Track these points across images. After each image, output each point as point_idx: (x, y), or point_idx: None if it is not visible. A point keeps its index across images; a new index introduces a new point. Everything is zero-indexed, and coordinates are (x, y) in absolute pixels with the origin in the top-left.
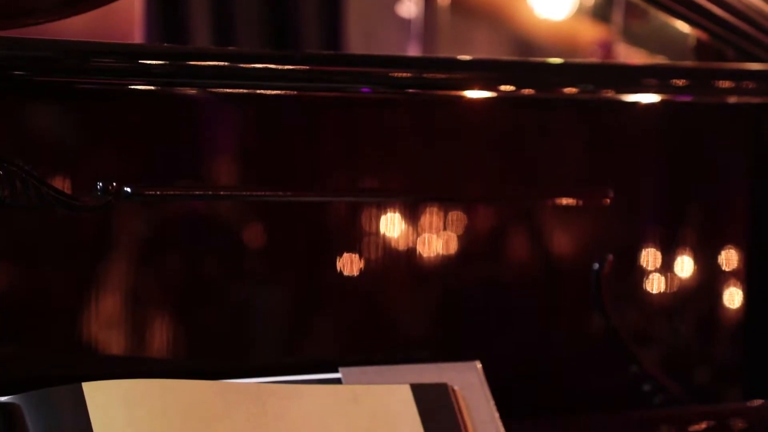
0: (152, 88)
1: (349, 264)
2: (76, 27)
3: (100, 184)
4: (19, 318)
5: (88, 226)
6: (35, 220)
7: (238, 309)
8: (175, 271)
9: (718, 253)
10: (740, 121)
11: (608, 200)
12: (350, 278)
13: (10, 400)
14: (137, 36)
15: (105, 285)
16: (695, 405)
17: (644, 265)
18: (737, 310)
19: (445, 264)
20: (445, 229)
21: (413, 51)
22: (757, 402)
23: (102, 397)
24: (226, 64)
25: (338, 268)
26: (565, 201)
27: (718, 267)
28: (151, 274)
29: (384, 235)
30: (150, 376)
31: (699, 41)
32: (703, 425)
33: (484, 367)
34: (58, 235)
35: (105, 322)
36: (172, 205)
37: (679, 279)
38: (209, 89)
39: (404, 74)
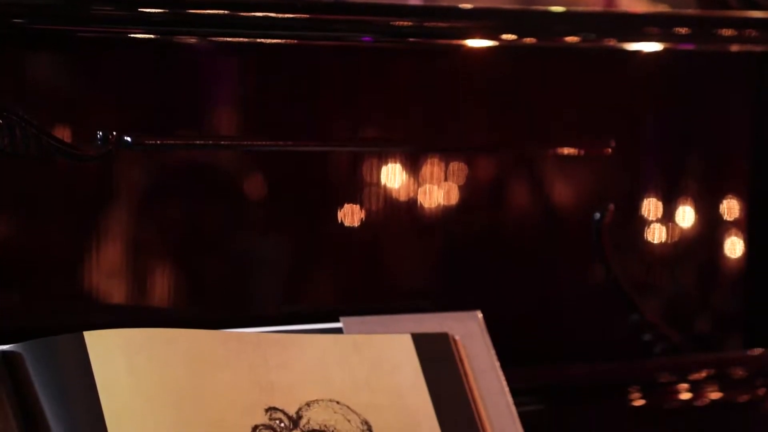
0: (152, 36)
1: (350, 214)
2: None
3: (100, 133)
4: (21, 267)
5: (89, 175)
6: (35, 169)
7: (239, 259)
8: (176, 220)
9: (720, 202)
10: (742, 70)
11: (609, 150)
12: (351, 229)
13: (12, 349)
14: None
15: (106, 234)
16: (695, 354)
17: (645, 215)
18: (738, 260)
19: (446, 214)
20: (446, 179)
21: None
22: (757, 351)
23: (103, 346)
24: (226, 12)
25: (339, 219)
26: (566, 151)
27: (719, 216)
28: (152, 223)
29: (385, 186)
30: (151, 325)
31: None
32: (703, 374)
33: (485, 317)
34: (58, 184)
35: (106, 272)
36: (172, 154)
37: (680, 228)
38: (209, 38)
39: (405, 23)
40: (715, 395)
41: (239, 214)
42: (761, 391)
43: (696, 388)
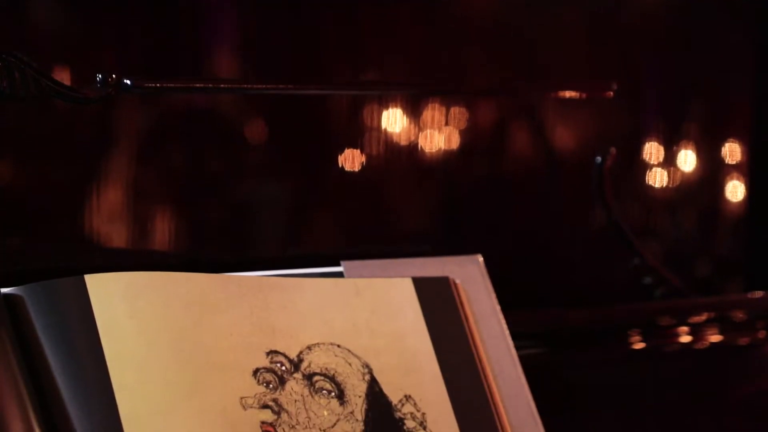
0: None
1: (351, 159)
2: None
3: (100, 76)
4: (21, 211)
5: (89, 118)
6: (35, 112)
7: (240, 203)
8: (177, 164)
9: (721, 145)
10: (746, 13)
11: (611, 93)
12: (352, 173)
13: (13, 292)
14: None
15: (106, 178)
16: (696, 297)
17: (647, 158)
18: (739, 203)
19: (446, 158)
20: (446, 123)
21: None
22: (758, 293)
23: (104, 289)
24: None
25: (340, 163)
26: (568, 94)
27: (720, 160)
28: (153, 167)
29: (385, 130)
30: (152, 269)
31: None
32: (704, 317)
33: (486, 261)
34: (58, 127)
35: (107, 215)
36: (172, 98)
37: (682, 172)
38: None
39: None
40: (716, 338)
41: (240, 158)
42: (761, 334)
43: (696, 331)
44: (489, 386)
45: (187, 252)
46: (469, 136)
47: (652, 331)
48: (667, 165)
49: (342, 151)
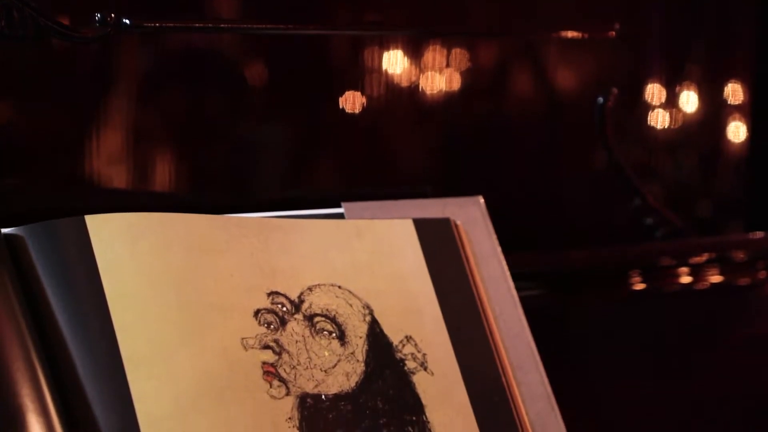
0: None
1: (352, 100)
2: None
3: (99, 15)
4: (21, 152)
5: (88, 59)
6: (34, 52)
7: (241, 144)
8: (177, 105)
9: (723, 86)
10: None
11: (613, 33)
12: (352, 115)
13: (13, 232)
14: None
15: (106, 119)
16: (697, 238)
17: (648, 99)
18: (741, 144)
19: (447, 100)
20: (447, 65)
21: None
22: (759, 234)
23: (105, 230)
24: None
25: (341, 105)
26: (569, 35)
27: (722, 100)
28: (152, 108)
29: (386, 72)
30: (153, 210)
31: None
32: (704, 257)
33: (487, 202)
34: (57, 67)
35: (107, 157)
36: (172, 38)
37: (683, 113)
38: None
39: None
40: (716, 278)
41: (240, 99)
42: (762, 274)
43: (697, 271)
44: (489, 327)
45: (188, 193)
46: (470, 77)
47: (652, 272)
48: (669, 106)
49: (342, 93)
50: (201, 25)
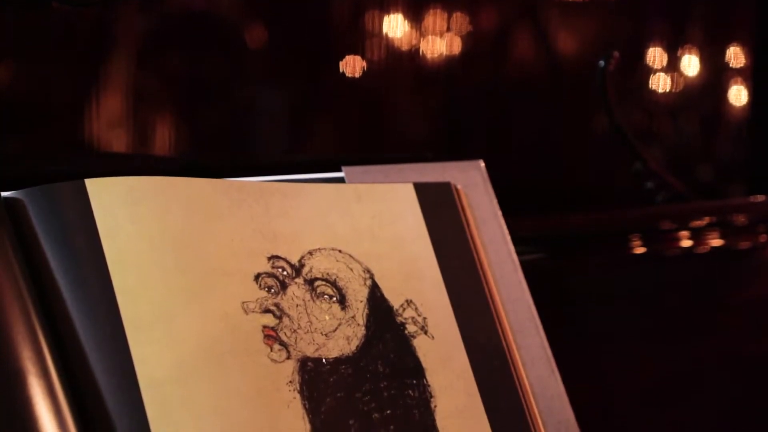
0: None
1: (352, 64)
2: None
3: None
4: (21, 115)
5: (88, 21)
6: (34, 15)
7: (241, 108)
8: (176, 69)
9: (725, 50)
10: None
11: None
12: (353, 79)
13: (13, 195)
14: None
15: (106, 83)
16: (698, 201)
17: (650, 63)
18: (742, 108)
19: (448, 64)
20: (448, 29)
21: None
22: (760, 197)
23: (105, 194)
24: None
25: (341, 69)
26: None
27: (724, 64)
28: (152, 72)
29: (387, 36)
30: (153, 173)
31: None
32: (705, 221)
33: (488, 166)
34: (57, 30)
35: (107, 120)
36: (171, 1)
37: (685, 77)
38: None
39: None
40: (717, 242)
41: (240, 63)
42: (762, 238)
43: (697, 235)
44: (490, 291)
45: (188, 157)
46: (470, 41)
47: (653, 236)
48: (670, 69)
49: (343, 57)
50: None
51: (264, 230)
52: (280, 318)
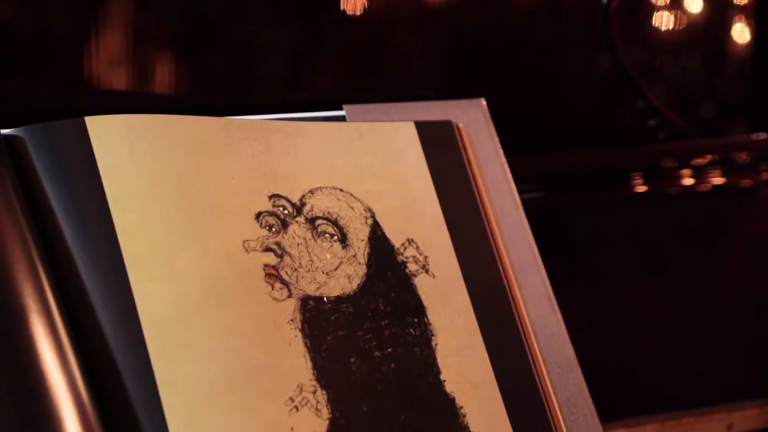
0: None
1: (353, 2)
2: None
3: None
4: (21, 53)
5: None
6: None
7: (242, 46)
8: (177, 6)
9: None
10: None
11: None
12: (353, 17)
13: (13, 133)
14: None
15: (106, 20)
16: (700, 139)
17: (653, 0)
18: (745, 45)
19: (450, 2)
20: None
21: None
22: (762, 135)
23: (105, 132)
24: None
25: (342, 6)
26: None
27: (727, 1)
28: (153, 10)
29: None
30: (153, 112)
31: None
32: (707, 158)
33: (489, 104)
34: None
35: (107, 58)
36: None
37: (688, 13)
38: None
39: None
40: (718, 180)
41: (241, 0)
42: (764, 176)
43: (699, 173)
44: (491, 230)
45: (189, 96)
46: None
47: (654, 174)
48: (673, 7)
49: None
50: None
51: (265, 169)
52: (281, 257)
